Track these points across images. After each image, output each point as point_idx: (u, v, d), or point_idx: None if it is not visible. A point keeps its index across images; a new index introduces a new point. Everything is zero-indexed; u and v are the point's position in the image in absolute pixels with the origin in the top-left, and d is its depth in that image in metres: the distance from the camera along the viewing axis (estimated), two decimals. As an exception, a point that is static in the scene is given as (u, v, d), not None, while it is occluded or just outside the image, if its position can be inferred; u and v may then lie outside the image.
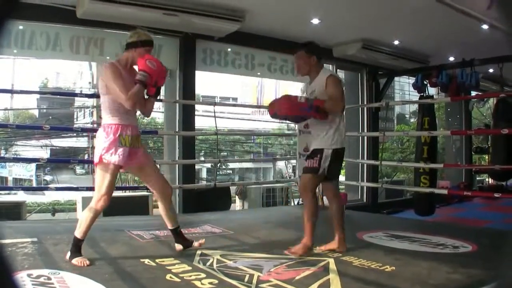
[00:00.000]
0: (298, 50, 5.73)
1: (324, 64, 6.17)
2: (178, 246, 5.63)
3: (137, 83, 5.05)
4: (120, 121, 5.15)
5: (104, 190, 5.10)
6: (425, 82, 11.71)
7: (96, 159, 5.11)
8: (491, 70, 13.61)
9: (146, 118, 9.97)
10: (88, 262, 4.85)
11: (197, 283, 4.25)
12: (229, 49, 10.99)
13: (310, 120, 5.68)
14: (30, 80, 28.96)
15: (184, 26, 9.34)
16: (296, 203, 12.33)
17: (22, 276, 4.06)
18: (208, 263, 4.97)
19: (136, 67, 5.25)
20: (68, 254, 5.01)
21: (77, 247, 5.04)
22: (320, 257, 5.37)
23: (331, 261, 5.19)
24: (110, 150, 5.06)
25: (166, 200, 5.59)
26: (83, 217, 5.16)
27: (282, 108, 5.55)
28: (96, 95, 17.01)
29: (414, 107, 22.49)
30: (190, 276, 4.46)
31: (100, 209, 5.17)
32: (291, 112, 5.49)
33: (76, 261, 4.86)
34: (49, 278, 4.11)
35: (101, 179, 5.13)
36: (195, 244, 5.61)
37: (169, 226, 5.65)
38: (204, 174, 29.51)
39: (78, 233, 5.08)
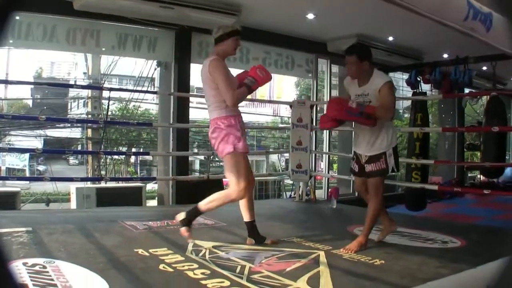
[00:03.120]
0: (349, 55, 5.62)
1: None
2: (250, 240, 5.74)
3: (243, 86, 5.33)
4: (234, 112, 5.45)
5: (244, 179, 5.34)
6: (418, 79, 11.76)
7: (230, 149, 5.31)
8: (484, 68, 13.68)
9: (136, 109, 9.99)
10: (190, 239, 5.47)
11: (190, 273, 4.29)
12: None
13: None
14: (24, 70, 28.95)
15: (180, 19, 9.37)
16: (288, 196, 12.40)
17: (17, 265, 4.10)
18: (200, 254, 5.02)
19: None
20: (182, 216, 5.49)
21: (194, 217, 5.54)
22: (310, 250, 5.42)
23: (322, 254, 5.24)
24: (240, 140, 5.36)
25: (251, 190, 5.93)
26: (217, 196, 5.50)
27: (330, 110, 5.60)
28: (91, 87, 17.04)
29: (408, 103, 22.51)
30: (183, 266, 4.50)
31: (240, 199, 5.53)
32: (339, 115, 5.51)
33: (183, 230, 5.44)
34: (44, 267, 4.15)
35: (237, 170, 5.33)
36: (268, 241, 5.70)
37: (246, 219, 5.81)
38: (197, 166, 29.49)
39: (205, 207, 5.51)
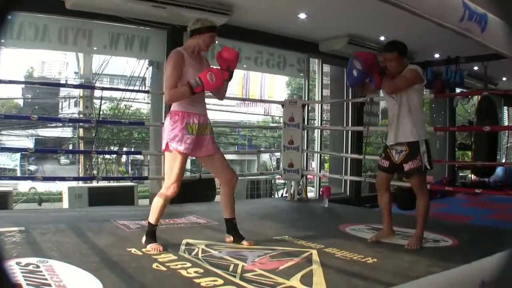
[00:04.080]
0: (390, 52, 5.70)
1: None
2: (229, 237, 5.74)
3: (185, 85, 5.17)
4: (186, 109, 5.32)
5: (173, 178, 5.31)
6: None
7: (163, 146, 5.36)
8: (475, 68, 13.73)
9: (123, 109, 9.95)
10: (161, 249, 5.14)
11: (183, 272, 4.30)
12: (216, 42, 11.01)
13: (401, 108, 5.71)
14: (15, 69, 28.89)
15: (172, 19, 9.35)
16: (280, 195, 12.42)
17: (11, 264, 4.10)
18: (193, 253, 5.04)
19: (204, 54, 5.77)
20: (144, 239, 5.34)
21: (152, 233, 5.37)
22: (303, 249, 5.44)
23: (314, 253, 5.26)
24: (176, 138, 5.26)
25: (230, 188, 5.84)
26: (154, 203, 5.46)
27: (365, 56, 5.66)
28: (83, 86, 17.02)
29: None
30: (176, 265, 4.52)
31: (170, 195, 5.40)
32: (367, 62, 5.55)
33: (150, 247, 5.16)
34: (37, 266, 4.15)
35: (170, 167, 5.34)
36: (244, 242, 5.65)
37: (226, 215, 5.82)
38: (188, 166, 29.48)
39: (151, 219, 5.41)
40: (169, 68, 5.25)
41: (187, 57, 5.35)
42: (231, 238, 5.71)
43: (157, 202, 5.41)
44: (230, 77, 5.69)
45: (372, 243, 5.93)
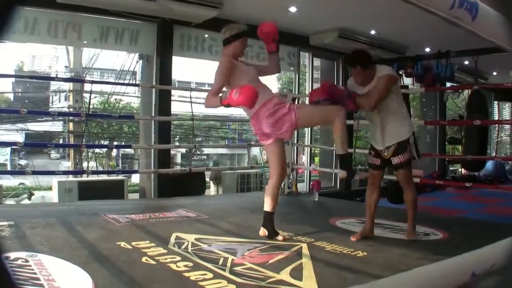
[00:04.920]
0: (353, 67, 5.64)
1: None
2: (263, 231, 5.71)
3: (221, 100, 5.16)
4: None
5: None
6: (400, 72, 11.81)
7: (288, 136, 5.67)
8: (466, 62, 13.76)
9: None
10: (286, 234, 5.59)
11: (173, 265, 4.29)
12: (206, 35, 11.00)
13: (381, 114, 5.69)
14: (5, 64, 28.75)
15: (162, 12, 9.33)
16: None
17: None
18: (183, 247, 5.02)
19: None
20: (266, 232, 5.60)
21: (273, 223, 5.65)
22: (293, 242, 5.44)
23: (304, 246, 5.25)
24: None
25: (281, 181, 5.94)
26: (268, 192, 5.76)
27: (320, 90, 5.64)
28: (73, 79, 16.95)
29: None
30: (166, 259, 4.50)
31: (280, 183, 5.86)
32: (326, 94, 5.54)
33: (282, 238, 5.52)
34: (26, 261, 4.13)
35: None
36: (279, 237, 5.63)
37: (266, 208, 5.79)
38: (179, 159, 29.46)
39: (269, 208, 5.69)
40: (217, 73, 5.33)
41: (236, 65, 5.48)
42: (266, 232, 5.70)
43: (274, 191, 5.74)
44: (277, 47, 5.88)
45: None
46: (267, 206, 5.73)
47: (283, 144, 5.79)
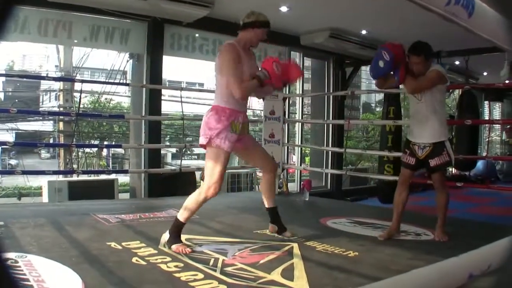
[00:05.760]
0: (417, 56, 5.58)
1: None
2: (273, 227, 5.70)
3: (255, 78, 5.02)
4: (234, 107, 5.06)
5: (216, 176, 4.99)
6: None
7: (203, 141, 4.99)
8: (457, 63, 13.79)
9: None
10: (190, 250, 4.89)
11: (163, 266, 4.29)
12: (197, 35, 10.98)
13: (427, 109, 5.66)
14: (-5, 63, 28.68)
15: (153, 11, 9.31)
16: (260, 189, 12.41)
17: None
18: (173, 247, 5.00)
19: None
20: (166, 237, 5.09)
21: (178, 232, 5.09)
22: (284, 242, 5.43)
23: (295, 246, 5.25)
24: (221, 135, 4.96)
25: (273, 176, 5.73)
26: (189, 201, 5.13)
27: (395, 48, 5.55)
28: (63, 78, 16.92)
29: (380, 96, 22.60)
30: (156, 259, 4.50)
31: (210, 196, 5.06)
32: (397, 54, 5.48)
33: (176, 248, 4.90)
34: (16, 262, 4.11)
35: (213, 165, 5.01)
36: (287, 233, 5.64)
37: (270, 205, 5.71)
38: (169, 159, 29.41)
39: (182, 217, 5.10)
40: (228, 61, 4.94)
41: (240, 51, 5.10)
42: (276, 228, 5.68)
43: (193, 201, 5.11)
44: (283, 86, 5.77)
45: (354, 236, 5.93)
46: (268, 203, 5.71)
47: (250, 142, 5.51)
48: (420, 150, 5.74)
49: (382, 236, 5.85)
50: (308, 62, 13.87)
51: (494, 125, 18.75)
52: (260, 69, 5.11)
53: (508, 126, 20.85)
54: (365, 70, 20.34)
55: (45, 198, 9.36)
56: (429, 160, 5.71)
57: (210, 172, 5.02)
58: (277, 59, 5.27)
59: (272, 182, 5.74)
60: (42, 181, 9.96)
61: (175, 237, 5.03)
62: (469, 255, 2.74)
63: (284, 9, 10.04)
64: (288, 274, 4.20)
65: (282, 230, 5.67)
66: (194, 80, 38.61)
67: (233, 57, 4.95)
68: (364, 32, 11.88)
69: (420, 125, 5.71)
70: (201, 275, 4.05)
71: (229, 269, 4.30)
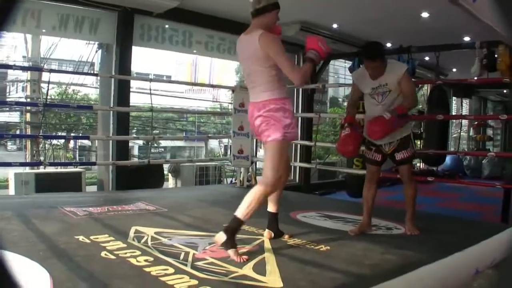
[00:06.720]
0: (373, 61, 5.55)
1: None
2: (270, 233, 5.40)
3: (307, 60, 4.84)
4: (287, 94, 4.95)
5: (280, 170, 4.85)
6: (361, 66, 11.83)
7: (278, 136, 4.72)
8: (426, 58, 13.86)
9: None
10: (246, 258, 4.48)
11: (133, 260, 4.23)
12: (166, 26, 10.90)
13: (380, 111, 5.60)
14: (-40, 54, 28.34)
15: (123, 0, 9.23)
16: (229, 182, 12.37)
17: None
18: (142, 241, 4.95)
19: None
20: (223, 238, 4.60)
21: (235, 232, 4.70)
22: (254, 236, 5.42)
23: (266, 240, 5.25)
24: (291, 125, 4.81)
25: (284, 178, 5.43)
26: (253, 197, 4.73)
27: (376, 131, 5.59)
28: (30, 68, 16.68)
29: (348, 91, 22.63)
30: (125, 253, 4.43)
31: (273, 191, 4.95)
32: (389, 130, 5.54)
33: (234, 254, 4.50)
34: (-19, 255, 4.02)
35: (278, 159, 4.79)
36: (285, 236, 5.43)
37: (272, 209, 5.46)
38: (136, 152, 29.29)
39: (242, 215, 4.72)
40: (279, 48, 4.70)
41: None
42: (272, 234, 5.40)
43: (259, 197, 4.74)
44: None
45: (325, 230, 5.92)
46: (271, 207, 5.47)
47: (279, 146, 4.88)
48: (386, 146, 5.77)
49: (353, 231, 5.84)
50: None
51: (461, 121, 18.89)
52: (308, 50, 4.88)
53: (476, 123, 21.05)
54: (332, 64, 20.39)
55: (11, 191, 9.25)
56: (395, 154, 5.75)
57: (276, 165, 4.80)
58: (320, 37, 5.12)
59: (280, 188, 5.37)
60: (8, 173, 9.84)
61: (233, 240, 4.62)
62: (474, 250, 2.72)
63: None
64: (260, 268, 4.17)
65: (278, 236, 5.42)
66: (162, 72, 38.56)
67: (279, 42, 4.78)
68: (335, 26, 11.87)
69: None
70: (171, 270, 4.00)
71: (200, 263, 4.25)
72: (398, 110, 5.45)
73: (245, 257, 4.48)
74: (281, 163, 4.83)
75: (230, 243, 4.56)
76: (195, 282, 3.73)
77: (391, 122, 5.43)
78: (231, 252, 4.49)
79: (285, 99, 4.86)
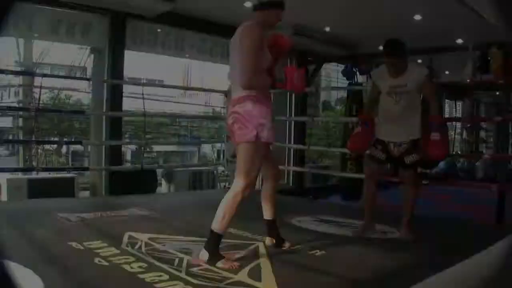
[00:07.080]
0: (398, 57, 5.60)
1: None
2: (271, 240, 5.21)
3: (273, 77, 4.71)
4: (267, 94, 4.76)
5: (254, 173, 4.64)
6: (354, 70, 11.82)
7: (250, 137, 4.47)
8: (419, 61, 13.86)
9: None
10: (238, 264, 4.38)
11: (126, 266, 4.19)
12: (159, 30, 10.88)
13: (404, 106, 5.64)
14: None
15: (115, 4, 9.20)
16: (222, 186, 12.34)
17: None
18: (136, 247, 4.91)
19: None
20: (206, 256, 4.47)
21: (216, 245, 4.53)
22: (249, 241, 5.39)
23: (260, 245, 5.21)
24: (265, 126, 4.50)
25: (275, 184, 5.21)
26: (226, 206, 4.61)
27: (440, 155, 5.82)
28: (22, 72, 16.63)
29: (340, 94, 22.62)
30: (119, 260, 4.39)
31: (247, 196, 4.64)
32: (447, 144, 5.79)
33: (224, 264, 4.35)
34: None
35: (250, 162, 4.57)
36: (287, 244, 5.17)
37: (269, 216, 5.23)
38: (129, 157, 29.25)
39: (219, 227, 4.56)
40: (250, 46, 4.42)
41: (263, 34, 4.57)
42: (274, 241, 5.21)
43: (231, 203, 4.62)
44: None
45: (319, 235, 5.90)
46: (267, 214, 5.27)
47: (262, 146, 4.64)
48: (396, 148, 5.72)
49: (357, 232, 5.84)
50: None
51: (455, 124, 18.92)
52: (281, 71, 4.77)
53: (469, 125, 21.11)
54: (324, 67, 20.39)
55: (4, 197, 9.20)
56: (404, 157, 5.70)
57: (249, 168, 4.59)
58: (303, 71, 5.08)
59: (273, 191, 5.22)
60: (0, 179, 9.80)
61: (216, 254, 4.47)
62: (481, 258, 2.71)
63: (248, 4, 9.96)
64: (256, 274, 4.14)
65: (280, 243, 5.20)
66: (154, 77, 38.51)
67: (258, 43, 4.48)
68: (327, 29, 11.87)
69: (396, 124, 5.70)
70: (166, 276, 3.97)
71: (194, 269, 4.22)
72: (436, 122, 5.53)
73: (236, 264, 4.37)
74: (254, 167, 4.61)
75: (215, 257, 4.44)
76: (189, 288, 3.71)
77: (442, 137, 5.53)
78: (220, 264, 4.36)
79: (263, 96, 4.63)
